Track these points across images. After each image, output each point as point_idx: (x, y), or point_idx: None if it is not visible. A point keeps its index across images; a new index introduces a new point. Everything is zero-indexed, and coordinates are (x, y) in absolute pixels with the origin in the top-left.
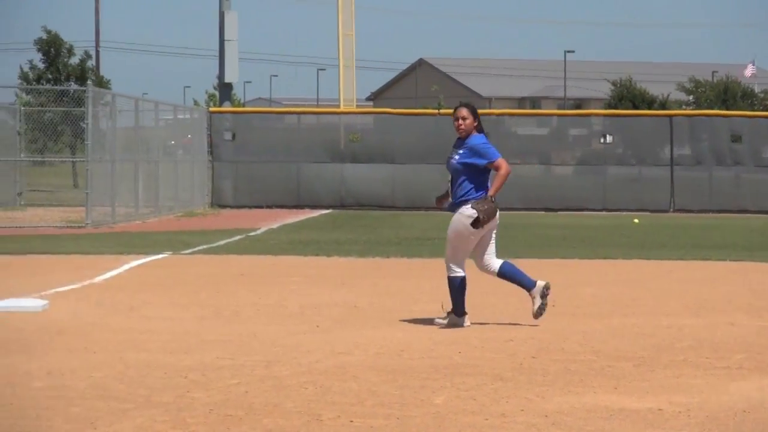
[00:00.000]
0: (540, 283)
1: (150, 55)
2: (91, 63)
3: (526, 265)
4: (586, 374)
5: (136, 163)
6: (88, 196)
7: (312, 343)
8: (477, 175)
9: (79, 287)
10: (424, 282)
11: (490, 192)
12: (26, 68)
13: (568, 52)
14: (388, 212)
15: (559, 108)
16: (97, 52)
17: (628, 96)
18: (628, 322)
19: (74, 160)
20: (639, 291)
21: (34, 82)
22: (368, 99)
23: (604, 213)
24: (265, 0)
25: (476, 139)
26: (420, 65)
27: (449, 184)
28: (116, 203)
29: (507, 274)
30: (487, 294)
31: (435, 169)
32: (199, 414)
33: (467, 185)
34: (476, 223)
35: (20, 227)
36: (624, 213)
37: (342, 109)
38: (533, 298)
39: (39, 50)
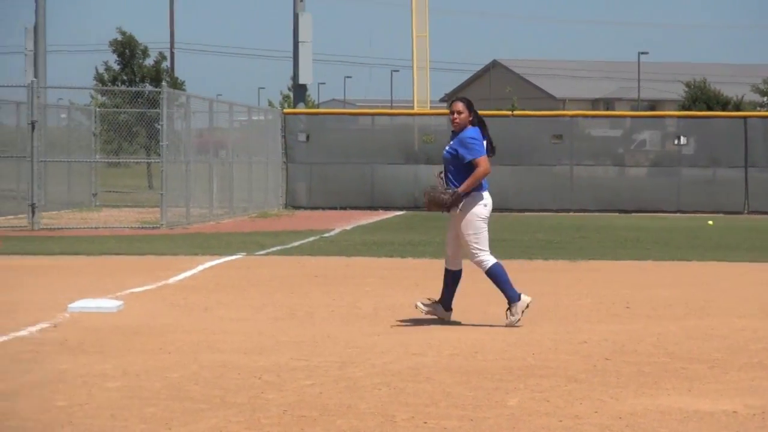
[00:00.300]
0: (448, 315)
1: (224, 57)
2: (165, 64)
3: (599, 267)
4: (660, 376)
5: (210, 164)
6: (163, 197)
7: (386, 344)
8: (468, 168)
9: (154, 288)
10: None
11: (460, 188)
12: (101, 69)
13: (642, 53)
14: None
15: (633, 109)
16: (172, 53)
17: (702, 97)
18: (702, 324)
19: (149, 161)
20: (713, 293)
21: (109, 84)
22: (442, 100)
23: (678, 215)
24: (339, 2)
25: (467, 132)
26: (493, 66)
27: (441, 178)
28: (191, 204)
29: (454, 278)
30: (560, 296)
31: (508, 171)
32: (273, 415)
33: (459, 177)
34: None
35: (95, 228)
36: (698, 215)
37: (416, 110)
38: (426, 305)
39: (114, 52)
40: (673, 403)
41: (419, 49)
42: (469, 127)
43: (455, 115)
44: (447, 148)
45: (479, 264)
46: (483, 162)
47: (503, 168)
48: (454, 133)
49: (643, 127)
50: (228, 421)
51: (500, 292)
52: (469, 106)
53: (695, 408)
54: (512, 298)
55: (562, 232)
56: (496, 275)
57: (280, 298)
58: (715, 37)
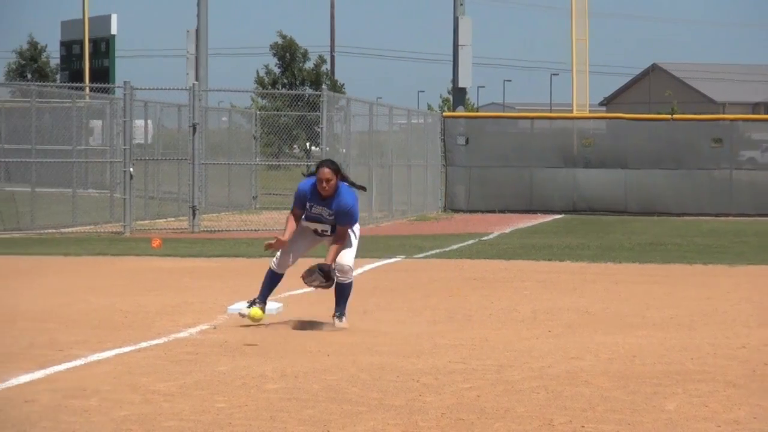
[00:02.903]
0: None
1: (384, 60)
2: (325, 67)
3: (758, 272)
4: None
5: (370, 167)
6: None
7: (544, 347)
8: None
9: (313, 290)
10: (656, 288)
11: (329, 262)
12: (262, 73)
13: None
14: (620, 217)
15: None
16: (332, 56)
17: None
18: None
19: (309, 164)
20: None
21: (270, 87)
22: (601, 104)
23: None
24: (498, 5)
25: (347, 201)
26: (653, 70)
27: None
28: None
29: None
30: (718, 300)
31: (668, 174)
32: (431, 418)
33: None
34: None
35: (255, 230)
36: None
37: (575, 114)
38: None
39: (275, 55)
40: None
41: (578, 53)
42: (341, 187)
43: (324, 184)
44: (324, 212)
45: (350, 271)
46: (347, 232)
47: (662, 172)
48: (321, 197)
49: None
50: (386, 424)
51: (340, 303)
52: (336, 169)
53: None
54: (344, 312)
55: (720, 236)
56: (349, 290)
57: (439, 301)
58: None
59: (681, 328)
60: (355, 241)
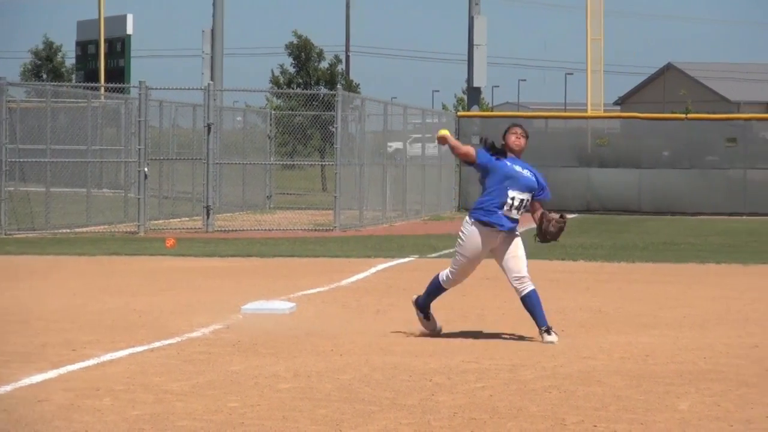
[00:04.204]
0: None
1: (399, 60)
2: (340, 67)
3: None
4: None
5: (384, 166)
6: (337, 199)
7: (557, 347)
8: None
9: (327, 290)
10: (670, 287)
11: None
12: (277, 72)
13: None
14: (634, 217)
15: None
16: (347, 56)
17: None
18: None
19: (323, 163)
20: None
21: (285, 86)
22: (615, 103)
23: None
24: (513, 5)
25: (531, 167)
26: (668, 69)
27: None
28: (364, 207)
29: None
30: (731, 300)
31: (682, 174)
32: (444, 417)
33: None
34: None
35: (269, 230)
36: None
37: (589, 113)
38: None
39: (290, 55)
40: None
41: (593, 52)
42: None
43: (524, 140)
44: (528, 173)
45: (525, 284)
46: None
47: (676, 171)
48: (511, 156)
49: None
50: (398, 423)
51: (533, 316)
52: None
53: None
54: (543, 324)
55: (734, 235)
56: (531, 300)
57: (452, 300)
58: None
59: (694, 327)
60: (521, 251)
